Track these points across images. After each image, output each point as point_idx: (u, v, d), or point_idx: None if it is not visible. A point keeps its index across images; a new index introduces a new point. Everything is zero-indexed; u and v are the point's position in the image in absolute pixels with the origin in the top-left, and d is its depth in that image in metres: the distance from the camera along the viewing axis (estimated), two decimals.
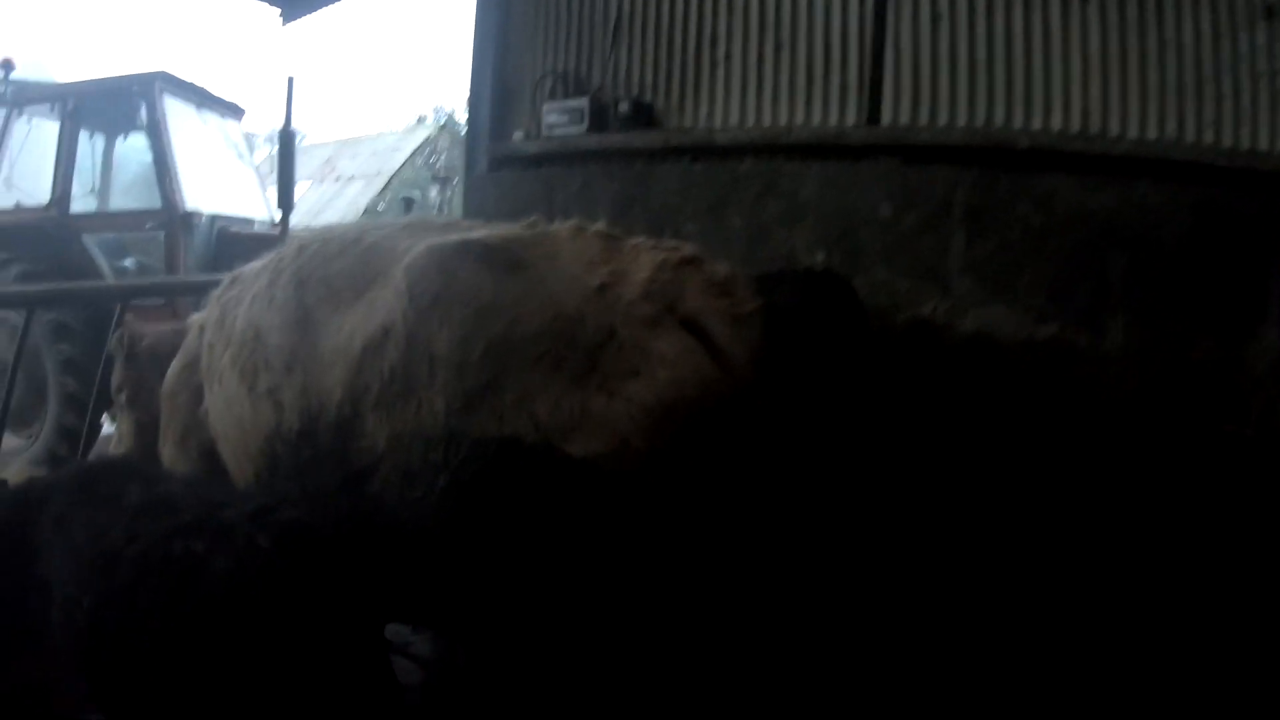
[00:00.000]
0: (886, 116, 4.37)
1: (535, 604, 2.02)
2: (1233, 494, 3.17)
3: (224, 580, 1.73)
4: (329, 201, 19.49)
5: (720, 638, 2.18)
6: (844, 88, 4.53)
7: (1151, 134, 3.86)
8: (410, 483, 2.08)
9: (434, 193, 15.58)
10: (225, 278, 3.16)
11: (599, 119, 5.41)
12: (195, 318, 3.15)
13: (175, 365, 3.08)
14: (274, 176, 9.25)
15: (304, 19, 7.56)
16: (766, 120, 4.79)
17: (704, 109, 5.08)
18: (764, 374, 2.14)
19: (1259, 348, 3.51)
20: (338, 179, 20.20)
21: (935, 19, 4.28)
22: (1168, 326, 3.62)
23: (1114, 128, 3.91)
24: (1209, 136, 3.79)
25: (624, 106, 5.26)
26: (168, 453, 3.08)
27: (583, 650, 2.08)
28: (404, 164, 20.79)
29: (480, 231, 2.41)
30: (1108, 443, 3.40)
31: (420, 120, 27.25)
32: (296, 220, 9.26)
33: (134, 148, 9.17)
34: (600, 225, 2.41)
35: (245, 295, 2.81)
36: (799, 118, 4.66)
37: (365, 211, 18.74)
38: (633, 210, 4.96)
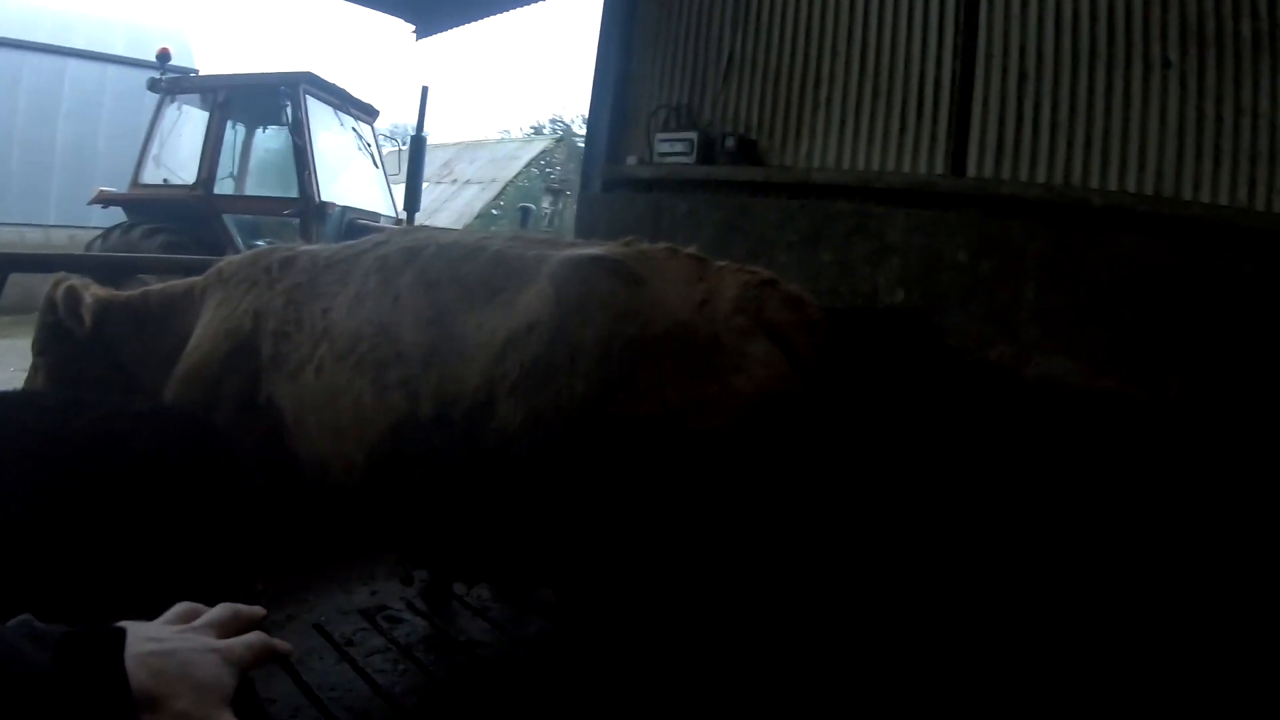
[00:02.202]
0: (971, 168, 4.73)
1: (660, 544, 2.57)
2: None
3: (142, 446, 2.58)
4: (445, 202, 20.13)
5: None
6: (933, 138, 4.90)
7: (1223, 199, 4.03)
8: (546, 454, 2.55)
9: (546, 203, 16.11)
10: (253, 265, 3.44)
11: (706, 151, 5.90)
12: (237, 305, 3.34)
13: (216, 350, 3.27)
14: (395, 173, 10.13)
15: (436, 36, 8.26)
16: (861, 164, 5.20)
17: (804, 148, 5.51)
18: (826, 369, 2.68)
19: None
20: (454, 181, 20.84)
21: (1021, 77, 4.60)
22: (1226, 388, 3.80)
23: (1186, 191, 4.11)
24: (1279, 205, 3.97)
25: (730, 142, 5.73)
26: None
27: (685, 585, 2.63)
28: (520, 173, 21.40)
29: (594, 248, 2.84)
30: (1150, 492, 3.69)
31: (537, 130, 27.77)
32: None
33: (271, 139, 10.16)
34: (692, 249, 2.87)
35: (337, 291, 3.13)
36: (890, 164, 5.06)
37: (479, 215, 19.39)
38: (733, 238, 5.43)
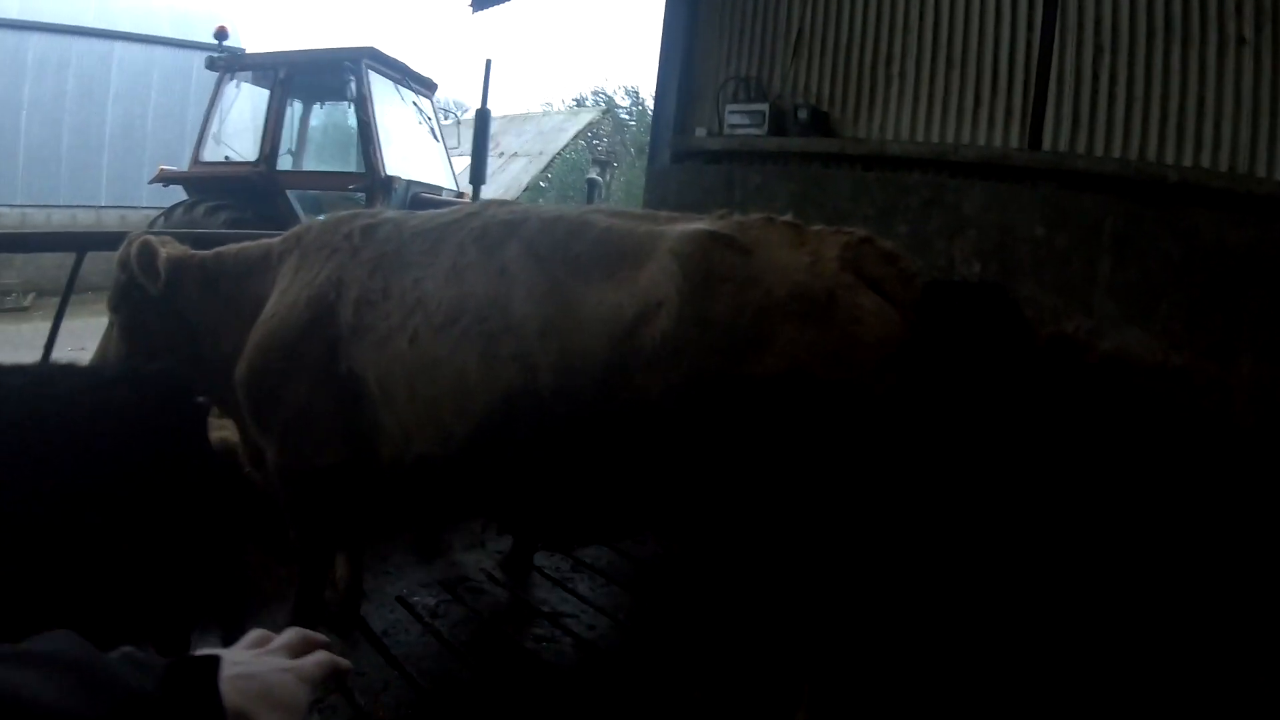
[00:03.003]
0: (1047, 142, 4.85)
1: (792, 491, 2.79)
2: None
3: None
4: (492, 175, 20.03)
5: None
6: (1009, 112, 5.05)
7: None
8: (685, 416, 2.75)
9: (594, 174, 16.25)
10: (330, 232, 3.47)
11: (778, 123, 6.06)
12: (318, 271, 3.38)
13: (296, 317, 3.32)
14: (454, 146, 10.21)
15: (493, 8, 8.27)
16: (935, 136, 5.35)
17: (876, 121, 5.67)
18: (920, 318, 2.86)
19: None
20: (501, 154, 20.79)
21: (1098, 51, 4.73)
22: None
23: (1260, 169, 4.25)
24: None
25: (803, 114, 5.88)
26: (290, 402, 3.34)
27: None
28: (566, 145, 21.43)
29: (700, 222, 3.00)
30: (1221, 468, 3.77)
31: (579, 102, 27.73)
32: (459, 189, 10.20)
33: (328, 114, 10.31)
34: (788, 217, 3.04)
35: (429, 262, 3.18)
36: (965, 137, 5.21)
37: (527, 188, 19.34)
38: (807, 209, 5.54)
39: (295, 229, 3.69)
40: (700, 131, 6.62)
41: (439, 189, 10.03)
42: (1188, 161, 4.47)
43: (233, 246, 3.84)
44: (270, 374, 3.36)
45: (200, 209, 8.97)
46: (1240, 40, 4.34)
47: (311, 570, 3.65)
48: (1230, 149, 4.37)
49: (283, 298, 3.42)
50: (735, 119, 6.28)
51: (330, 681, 1.12)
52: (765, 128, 6.08)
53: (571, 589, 4.36)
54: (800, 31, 6.09)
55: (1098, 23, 4.74)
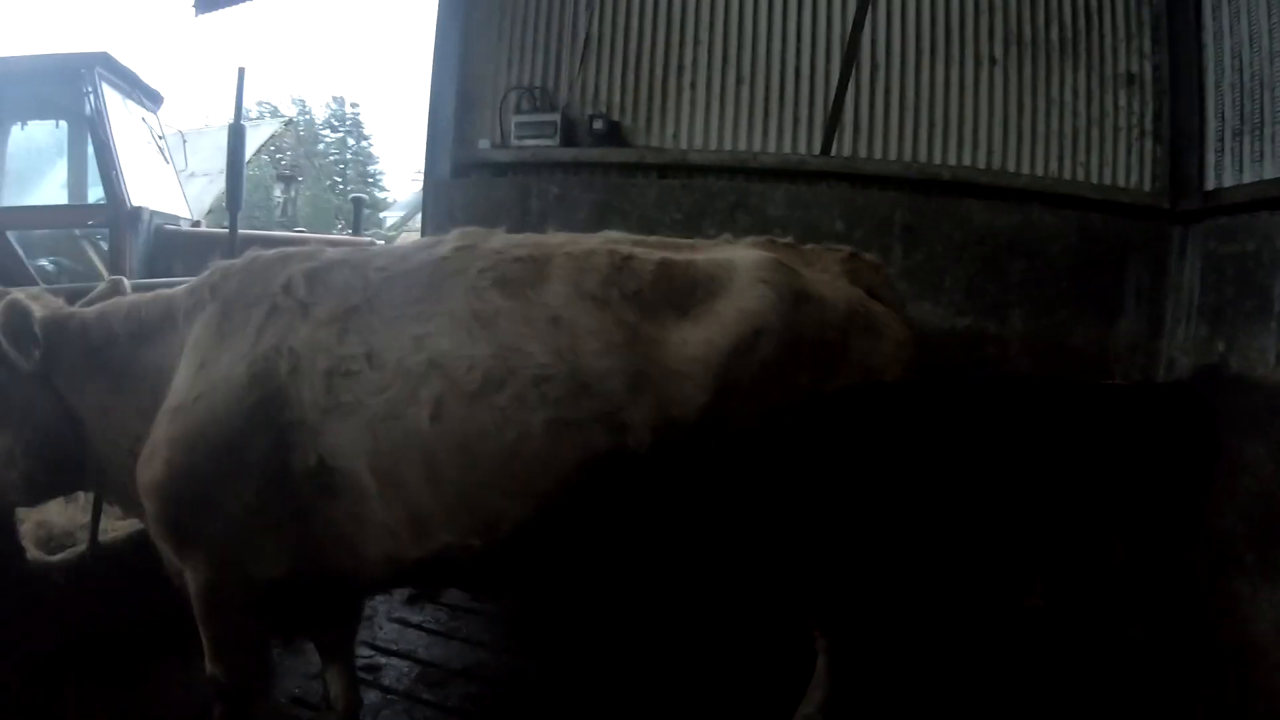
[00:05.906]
0: (836, 148, 5.78)
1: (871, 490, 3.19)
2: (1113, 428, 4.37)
3: None
4: None
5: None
6: (797, 120, 5.95)
7: (1040, 170, 5.50)
8: (774, 441, 2.98)
9: (277, 191, 15.26)
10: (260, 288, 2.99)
11: (569, 134, 6.47)
12: (256, 338, 2.89)
13: (234, 401, 2.83)
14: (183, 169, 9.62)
15: (219, 12, 7.78)
16: (729, 144, 6.12)
17: (670, 130, 6.31)
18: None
19: (1118, 333, 5.20)
20: (180, 172, 19.82)
21: (873, 68, 5.75)
22: (1054, 317, 5.25)
23: (1012, 165, 5.52)
24: (1081, 174, 5.46)
25: (599, 124, 6.32)
26: (229, 509, 2.87)
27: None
28: (249, 160, 20.34)
29: (747, 249, 3.29)
30: (1010, 399, 4.57)
31: (273, 111, 26.50)
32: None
33: (32, 135, 8.96)
34: (787, 239, 3.61)
35: (430, 313, 2.88)
36: (757, 144, 6.04)
37: (210, 210, 17.93)
38: (611, 218, 6.02)
39: (204, 276, 3.14)
40: (484, 143, 6.87)
41: (176, 218, 9.32)
42: (954, 160, 5.61)
43: (120, 301, 3.23)
44: (200, 477, 2.84)
45: None
46: (991, 60, 5.56)
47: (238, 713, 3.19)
48: (987, 149, 5.57)
49: (206, 374, 2.90)
50: (523, 130, 6.58)
51: None
52: (558, 138, 6.44)
53: (464, 637, 4.36)
54: (588, 40, 6.54)
55: (872, 44, 5.73)
